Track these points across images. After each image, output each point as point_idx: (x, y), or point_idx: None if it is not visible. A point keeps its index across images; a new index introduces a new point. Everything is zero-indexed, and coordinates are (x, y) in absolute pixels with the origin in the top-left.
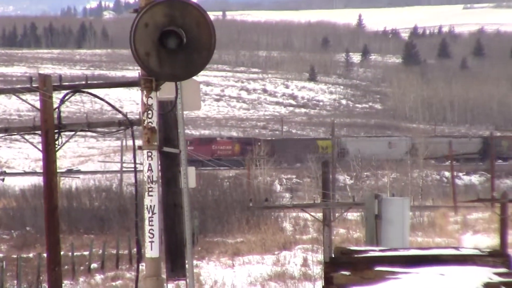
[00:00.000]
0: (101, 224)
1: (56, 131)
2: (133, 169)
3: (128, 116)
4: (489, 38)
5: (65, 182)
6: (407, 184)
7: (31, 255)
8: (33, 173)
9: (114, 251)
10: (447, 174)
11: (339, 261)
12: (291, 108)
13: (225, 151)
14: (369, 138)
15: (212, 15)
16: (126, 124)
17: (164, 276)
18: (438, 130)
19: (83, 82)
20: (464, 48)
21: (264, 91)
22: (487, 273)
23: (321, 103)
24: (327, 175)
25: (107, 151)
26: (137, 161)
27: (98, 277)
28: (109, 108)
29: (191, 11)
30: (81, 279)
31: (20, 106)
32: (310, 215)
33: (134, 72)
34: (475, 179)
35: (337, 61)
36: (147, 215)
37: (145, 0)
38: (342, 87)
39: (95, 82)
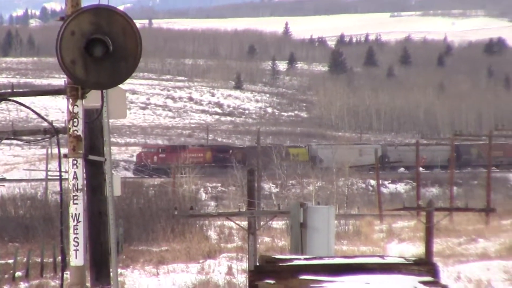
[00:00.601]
0: (26, 232)
1: None
2: (58, 177)
3: (54, 124)
4: (416, 46)
5: None
6: (333, 193)
7: None
8: None
9: (39, 260)
10: (372, 182)
11: (263, 270)
12: (217, 116)
13: (197, 158)
14: (340, 146)
15: (139, 23)
16: (51, 132)
17: (88, 284)
18: (364, 138)
19: (9, 91)
20: (390, 56)
21: (190, 99)
22: (413, 282)
23: (247, 111)
24: (252, 183)
25: (32, 159)
26: (63, 169)
27: (23, 286)
28: (35, 116)
29: (117, 19)
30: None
31: None
32: (235, 223)
33: (60, 80)
34: (400, 187)
35: (263, 69)
36: (72, 223)
37: (72, 8)
38: (268, 95)
39: (21, 90)
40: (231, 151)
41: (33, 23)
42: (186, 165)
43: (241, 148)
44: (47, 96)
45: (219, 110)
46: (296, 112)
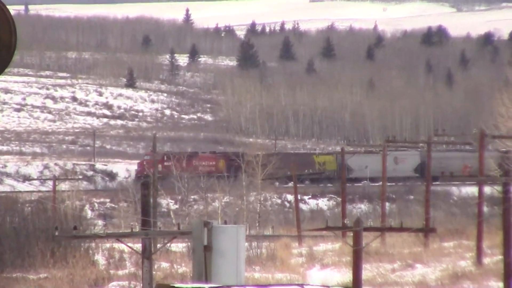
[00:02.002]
0: None
1: None
2: None
3: None
4: (341, 36)
5: None
6: (242, 210)
7: None
8: None
9: None
10: (289, 197)
11: None
12: (105, 120)
13: (208, 167)
14: (372, 154)
15: (13, 9)
16: None
17: None
18: (279, 145)
19: None
20: (311, 48)
21: (74, 99)
22: None
23: (140, 114)
24: (147, 198)
25: None
26: None
27: None
28: None
29: None
30: None
31: None
32: (127, 246)
33: None
34: (323, 203)
35: (160, 64)
36: None
37: None
38: (166, 94)
39: None
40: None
41: None
42: (195, 174)
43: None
44: None
45: (108, 112)
46: (199, 114)
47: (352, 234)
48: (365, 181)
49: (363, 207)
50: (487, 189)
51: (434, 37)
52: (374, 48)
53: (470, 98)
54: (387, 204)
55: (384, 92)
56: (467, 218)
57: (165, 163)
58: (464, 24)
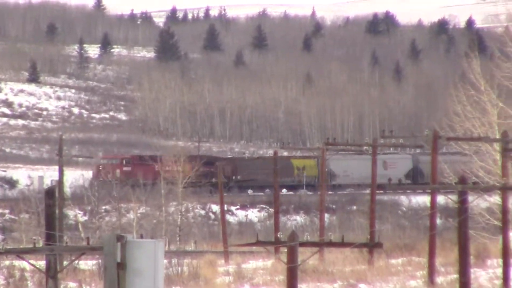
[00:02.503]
0: None
1: None
2: None
3: None
4: (273, 24)
5: None
6: (161, 222)
7: None
8: None
9: None
10: (215, 208)
11: None
12: (4, 119)
13: (173, 172)
14: (359, 156)
15: None
16: None
17: None
18: (203, 148)
19: None
20: (239, 37)
21: None
22: None
23: (45, 113)
24: (52, 209)
25: None
26: None
27: None
28: None
29: None
30: None
31: None
32: (29, 263)
33: None
34: (252, 214)
35: (68, 56)
36: None
37: None
38: (73, 90)
39: None
40: (216, 163)
41: None
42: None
43: (231, 160)
44: None
45: (7, 111)
46: (111, 113)
47: (286, 250)
48: (302, 190)
49: (298, 218)
50: (440, 199)
51: (381, 25)
52: (312, 37)
53: (421, 95)
54: (326, 215)
55: (324, 87)
56: (417, 232)
57: (124, 168)
58: (415, 10)
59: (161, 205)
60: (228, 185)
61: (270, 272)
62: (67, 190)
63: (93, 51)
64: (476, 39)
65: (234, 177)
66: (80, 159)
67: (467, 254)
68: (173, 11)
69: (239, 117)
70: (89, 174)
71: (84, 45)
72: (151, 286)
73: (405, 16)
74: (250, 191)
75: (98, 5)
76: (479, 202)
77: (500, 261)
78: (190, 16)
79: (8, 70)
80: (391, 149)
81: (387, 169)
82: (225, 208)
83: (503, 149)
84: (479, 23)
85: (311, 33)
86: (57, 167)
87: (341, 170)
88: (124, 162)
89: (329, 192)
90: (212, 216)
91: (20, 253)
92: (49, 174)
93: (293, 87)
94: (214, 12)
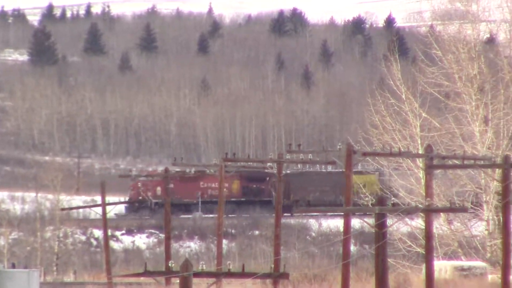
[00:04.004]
0: None
1: None
2: None
3: None
4: (164, 22)
5: None
6: (36, 249)
7: None
8: None
9: None
10: (97, 233)
11: None
12: None
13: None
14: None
15: None
16: None
17: None
18: (84, 165)
19: None
20: (125, 38)
21: None
22: None
23: None
24: None
25: None
26: None
27: None
28: None
29: None
30: None
31: None
32: None
33: None
34: (140, 240)
35: None
36: None
37: None
38: None
39: None
40: (267, 179)
41: None
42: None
43: (283, 176)
44: None
45: None
46: None
47: (178, 281)
48: (197, 213)
49: (193, 245)
50: (355, 222)
51: (287, 24)
52: (208, 38)
53: (333, 104)
54: (224, 241)
55: (222, 95)
56: (329, 260)
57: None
58: (327, 7)
59: (35, 230)
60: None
61: None
62: None
63: None
64: (396, 40)
65: (287, 197)
66: None
67: (386, 285)
68: (49, 8)
69: (125, 130)
70: None
71: None
72: None
73: (316, 14)
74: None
75: None
76: (399, 226)
77: None
78: (69, 13)
79: None
80: (299, 165)
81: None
82: (109, 233)
83: (427, 166)
84: (399, 22)
85: (208, 33)
86: None
87: (403, 186)
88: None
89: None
90: (94, 242)
91: None
92: None
93: (186, 96)
94: (96, 9)
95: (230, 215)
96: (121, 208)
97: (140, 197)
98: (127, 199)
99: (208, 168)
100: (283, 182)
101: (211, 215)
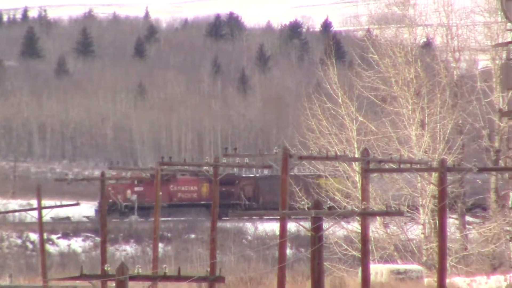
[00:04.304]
0: None
1: None
2: None
3: None
4: (101, 27)
5: None
6: None
7: None
8: None
9: None
10: (33, 237)
11: None
12: None
13: (189, 193)
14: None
15: None
16: None
17: None
18: (20, 169)
19: None
20: (62, 42)
21: None
22: None
23: None
24: None
25: None
26: None
27: None
28: None
29: None
30: None
31: None
32: None
33: None
34: (76, 244)
35: None
36: None
37: None
38: None
39: None
40: (237, 182)
41: None
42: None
43: (252, 179)
44: None
45: None
46: None
47: (114, 284)
48: (133, 216)
49: (129, 249)
50: (291, 226)
51: (224, 28)
52: (145, 42)
53: (270, 108)
54: (160, 245)
55: (158, 100)
56: (265, 264)
57: (136, 189)
58: (263, 12)
59: None
60: (250, 208)
61: None
62: None
63: None
64: (333, 44)
65: (256, 200)
66: None
67: None
68: None
69: (61, 134)
70: None
71: None
72: None
73: (252, 18)
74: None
75: None
76: (335, 230)
77: None
78: (5, 17)
79: None
80: (236, 169)
81: None
82: (45, 237)
83: (363, 170)
84: (336, 26)
85: (144, 37)
86: None
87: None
88: (135, 182)
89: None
90: (30, 246)
91: None
92: None
93: (123, 100)
94: (33, 14)
95: (199, 218)
96: (92, 211)
97: (111, 200)
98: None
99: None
100: (252, 185)
101: (182, 218)
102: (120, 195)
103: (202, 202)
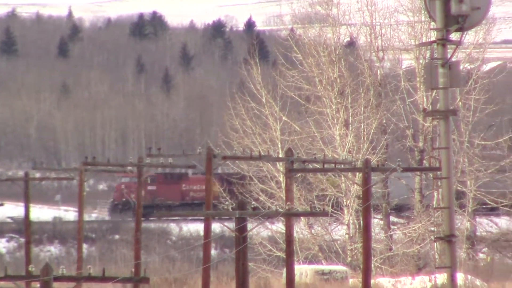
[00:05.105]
0: None
1: None
2: None
3: None
4: (24, 26)
5: None
6: None
7: None
8: None
9: None
10: None
11: None
12: None
13: (201, 192)
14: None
15: None
16: None
17: None
18: None
19: None
20: None
21: None
22: None
23: None
24: None
25: None
26: None
27: None
28: None
29: None
30: None
31: None
32: None
33: None
34: (1, 245)
35: None
36: None
37: None
38: None
39: None
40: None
41: None
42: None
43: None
44: None
45: None
46: None
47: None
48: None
49: (53, 249)
50: (216, 226)
51: (147, 27)
52: (68, 41)
53: (193, 107)
54: (85, 245)
55: (82, 99)
56: (189, 264)
57: (149, 188)
58: (187, 11)
59: None
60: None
61: None
62: None
63: None
64: (256, 44)
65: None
66: None
67: None
68: None
69: None
70: None
71: None
72: None
73: (176, 17)
74: None
75: None
76: (260, 231)
77: None
78: None
79: None
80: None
81: None
82: None
83: (287, 170)
84: (260, 25)
85: (68, 36)
86: None
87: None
88: (148, 180)
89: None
90: None
91: None
92: None
93: (46, 99)
94: None
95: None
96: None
97: (124, 199)
98: (111, 200)
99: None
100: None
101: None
102: (133, 194)
103: (215, 202)
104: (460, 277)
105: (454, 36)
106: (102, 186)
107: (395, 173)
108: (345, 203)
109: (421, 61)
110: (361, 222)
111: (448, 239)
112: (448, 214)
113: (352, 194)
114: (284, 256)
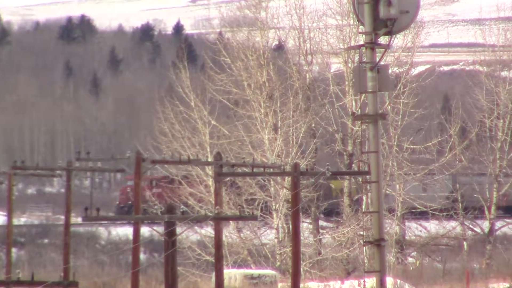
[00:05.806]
0: None
1: None
2: None
3: None
4: None
5: None
6: None
7: None
8: None
9: None
10: None
11: None
12: None
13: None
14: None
15: None
16: None
17: None
18: None
19: None
20: None
21: None
22: None
23: None
24: None
25: None
26: None
27: None
28: None
29: None
30: None
31: None
32: None
33: None
34: None
35: None
36: None
37: None
38: None
39: None
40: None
41: None
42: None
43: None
44: None
45: None
46: None
47: None
48: None
49: None
50: (145, 231)
51: (76, 30)
52: None
53: (122, 111)
54: (14, 250)
55: (10, 102)
56: (118, 268)
57: (154, 190)
58: (115, 14)
59: None
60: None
61: None
62: None
63: None
64: (185, 47)
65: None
66: None
67: None
68: None
69: None
70: None
71: None
72: None
73: (105, 20)
74: None
75: None
76: (189, 235)
77: None
78: None
79: None
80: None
81: (427, 192)
82: None
83: (216, 174)
84: (188, 29)
85: None
86: None
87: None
88: (153, 182)
89: None
90: None
91: None
92: None
93: None
94: None
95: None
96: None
97: (130, 202)
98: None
99: None
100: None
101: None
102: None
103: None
104: (389, 281)
105: (382, 39)
106: (31, 190)
107: (324, 177)
108: (274, 207)
109: (349, 65)
110: (290, 226)
111: (378, 243)
112: (378, 218)
113: (281, 198)
114: (213, 260)
